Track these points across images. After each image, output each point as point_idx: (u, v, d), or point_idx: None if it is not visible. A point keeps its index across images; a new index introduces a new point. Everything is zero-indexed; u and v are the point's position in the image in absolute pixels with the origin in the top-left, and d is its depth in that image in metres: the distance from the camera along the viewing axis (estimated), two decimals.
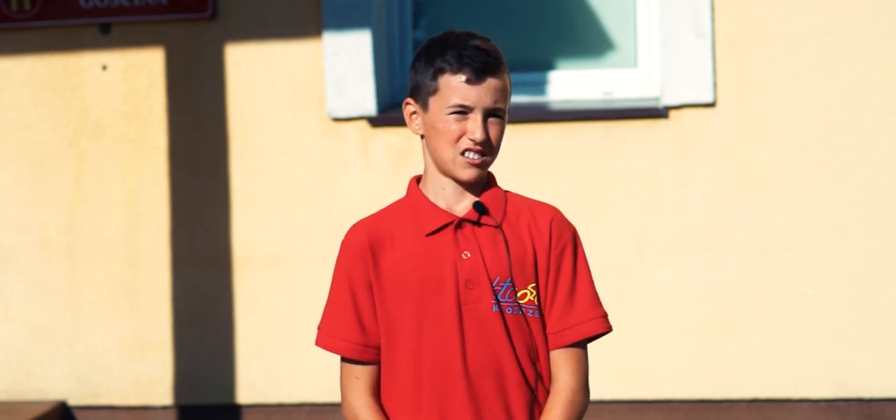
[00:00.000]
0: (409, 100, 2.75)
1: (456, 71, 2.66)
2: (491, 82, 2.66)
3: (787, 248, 5.40)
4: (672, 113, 5.42)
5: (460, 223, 2.70)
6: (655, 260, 5.45)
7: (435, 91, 2.68)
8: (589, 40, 5.75)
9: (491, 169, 2.77)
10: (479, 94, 2.66)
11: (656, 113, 5.43)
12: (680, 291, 5.46)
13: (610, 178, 5.45)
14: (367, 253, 2.69)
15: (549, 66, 5.73)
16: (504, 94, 2.69)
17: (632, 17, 5.67)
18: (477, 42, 2.68)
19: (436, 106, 2.68)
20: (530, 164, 5.46)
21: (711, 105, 5.40)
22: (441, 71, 2.67)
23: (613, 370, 5.46)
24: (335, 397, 5.56)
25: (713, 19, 5.38)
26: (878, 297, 5.38)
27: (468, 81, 2.65)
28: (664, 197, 5.44)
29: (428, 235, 2.70)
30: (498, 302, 2.67)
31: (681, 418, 5.50)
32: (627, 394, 5.51)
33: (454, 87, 2.66)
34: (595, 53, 5.74)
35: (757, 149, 5.39)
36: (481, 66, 2.65)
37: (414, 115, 2.74)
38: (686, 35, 5.39)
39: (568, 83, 5.69)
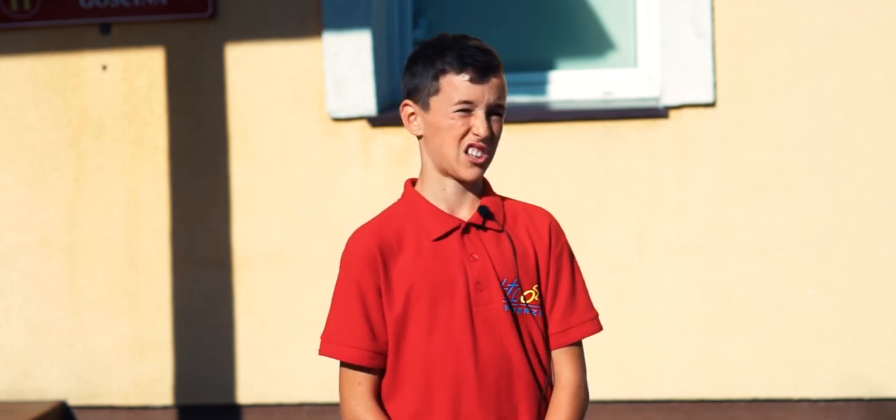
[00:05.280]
0: (408, 101, 2.77)
1: (459, 70, 2.70)
2: (494, 81, 2.71)
3: (787, 248, 5.40)
4: (672, 113, 5.42)
5: (466, 228, 2.74)
6: (655, 260, 5.45)
7: (437, 91, 2.71)
8: (589, 40, 5.75)
9: (498, 173, 2.81)
10: (483, 92, 2.70)
11: (656, 113, 5.43)
12: (680, 291, 5.46)
13: (610, 178, 5.46)
14: (378, 259, 2.70)
15: (549, 66, 5.73)
16: (503, 91, 2.74)
17: (632, 17, 5.67)
18: (474, 42, 2.74)
19: (438, 105, 2.71)
20: (530, 164, 5.46)
21: (711, 105, 5.40)
22: (443, 71, 2.71)
23: (613, 370, 5.46)
24: (335, 397, 5.56)
25: (713, 19, 5.38)
26: (878, 297, 5.38)
27: (472, 80, 2.69)
28: (664, 197, 5.44)
29: (436, 240, 2.72)
30: (508, 302, 2.72)
31: (681, 418, 5.51)
32: (627, 394, 5.51)
33: (458, 85, 2.69)
34: (595, 53, 5.74)
35: (757, 149, 5.39)
36: (484, 64, 2.70)
37: (412, 116, 2.77)
38: (686, 35, 5.39)
39: (568, 83, 5.69)
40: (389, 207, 2.81)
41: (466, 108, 2.70)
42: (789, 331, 5.42)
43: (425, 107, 2.73)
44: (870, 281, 5.38)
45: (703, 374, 5.48)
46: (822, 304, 5.41)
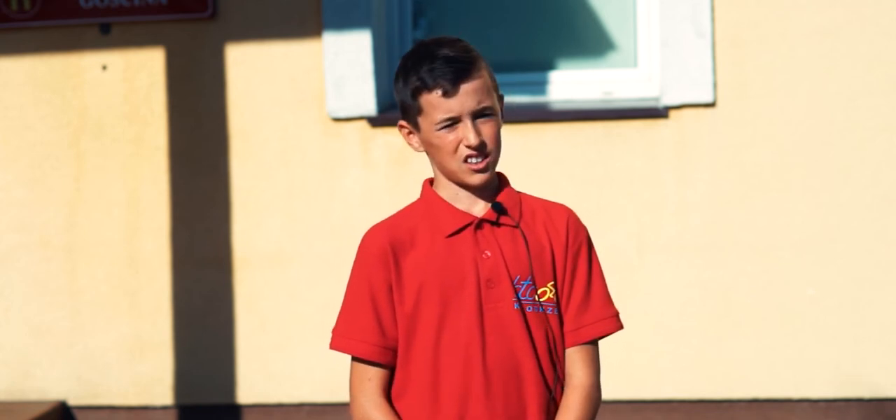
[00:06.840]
0: (402, 122, 2.77)
1: (431, 88, 2.66)
2: (467, 87, 2.66)
3: (787, 248, 5.40)
4: (672, 113, 5.42)
5: (480, 224, 2.72)
6: (655, 260, 5.45)
7: (419, 111, 2.70)
8: (589, 40, 5.75)
9: (503, 171, 2.79)
10: (460, 102, 2.66)
11: (656, 113, 5.43)
12: (680, 291, 5.46)
13: (610, 178, 5.46)
14: (389, 256, 2.70)
15: (549, 66, 5.73)
16: (486, 90, 2.69)
17: (632, 17, 5.67)
18: (445, 51, 2.67)
19: (425, 124, 2.70)
20: (530, 164, 5.47)
21: (711, 105, 5.40)
22: (418, 90, 2.68)
23: (614, 370, 5.46)
24: (335, 397, 5.57)
25: (713, 19, 5.38)
26: (878, 297, 5.39)
27: (445, 95, 2.66)
28: (664, 197, 5.44)
29: (448, 236, 2.71)
30: (519, 300, 2.69)
31: (681, 418, 5.51)
32: (627, 394, 5.51)
33: (434, 103, 2.67)
34: (595, 53, 5.74)
35: (757, 149, 5.39)
36: (453, 76, 2.65)
37: (410, 136, 2.77)
38: (686, 35, 5.39)
39: (568, 83, 5.69)
40: (407, 206, 2.80)
41: (450, 122, 2.67)
42: (789, 331, 5.42)
43: (416, 126, 2.73)
44: (870, 281, 5.38)
45: (703, 374, 5.48)
46: (822, 304, 5.41)
